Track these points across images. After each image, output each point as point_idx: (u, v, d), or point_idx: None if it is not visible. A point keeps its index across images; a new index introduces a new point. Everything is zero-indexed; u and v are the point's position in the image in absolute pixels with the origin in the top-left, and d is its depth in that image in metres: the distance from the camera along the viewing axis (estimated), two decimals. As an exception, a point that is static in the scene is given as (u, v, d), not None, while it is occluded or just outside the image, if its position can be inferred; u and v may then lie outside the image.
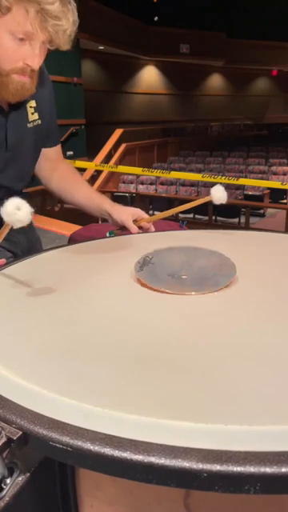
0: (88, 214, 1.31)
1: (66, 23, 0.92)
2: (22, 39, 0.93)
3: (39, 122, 1.19)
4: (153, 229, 1.28)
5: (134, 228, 1.20)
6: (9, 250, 1.23)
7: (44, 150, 1.28)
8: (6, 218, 0.72)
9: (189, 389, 0.51)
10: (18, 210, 0.71)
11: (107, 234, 1.23)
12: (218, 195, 1.15)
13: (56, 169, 1.34)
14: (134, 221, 1.23)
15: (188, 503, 0.53)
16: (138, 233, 1.22)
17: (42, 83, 1.14)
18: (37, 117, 1.18)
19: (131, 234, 1.21)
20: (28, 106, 1.16)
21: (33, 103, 1.17)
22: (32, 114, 1.17)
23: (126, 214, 1.22)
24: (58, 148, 1.36)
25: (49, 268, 0.99)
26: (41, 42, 0.95)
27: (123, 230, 1.23)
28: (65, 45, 0.96)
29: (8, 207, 0.71)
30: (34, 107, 1.17)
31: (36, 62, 0.97)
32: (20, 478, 0.49)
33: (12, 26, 0.91)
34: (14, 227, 0.74)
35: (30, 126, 1.17)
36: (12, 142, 1.13)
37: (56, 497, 0.61)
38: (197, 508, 0.54)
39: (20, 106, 1.12)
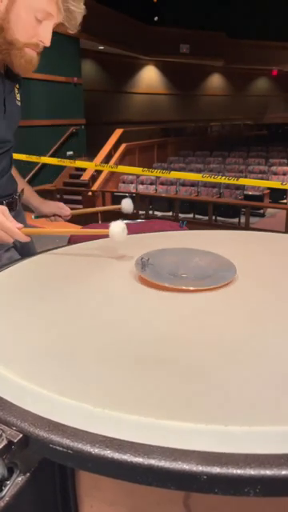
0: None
1: (82, 8, 1.04)
2: (40, 20, 1.01)
3: (19, 103, 1.26)
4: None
5: (59, 217, 1.43)
6: None
7: None
8: (115, 237, 0.96)
9: (189, 389, 0.51)
10: (122, 232, 0.97)
11: (32, 217, 1.45)
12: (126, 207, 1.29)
13: None
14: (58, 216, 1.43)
15: (188, 504, 0.53)
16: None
17: None
18: (19, 98, 1.25)
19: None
20: (15, 86, 1.22)
21: (17, 85, 1.23)
22: (16, 93, 1.23)
23: (53, 208, 1.42)
24: None
25: (49, 268, 0.99)
26: (56, 23, 1.03)
27: (49, 218, 1.45)
28: (75, 28, 1.06)
29: (118, 229, 0.96)
30: (18, 89, 1.24)
31: (49, 40, 1.05)
32: (20, 478, 0.49)
33: (36, 4, 0.99)
34: (112, 240, 0.98)
35: (17, 102, 1.24)
36: (8, 110, 1.17)
37: (56, 497, 0.61)
38: (197, 508, 0.54)
39: (12, 82, 1.18)
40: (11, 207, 1.17)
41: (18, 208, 1.32)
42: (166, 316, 0.72)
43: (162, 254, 0.94)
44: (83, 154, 10.64)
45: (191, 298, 0.77)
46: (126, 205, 1.31)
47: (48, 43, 1.05)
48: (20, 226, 0.96)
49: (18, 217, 1.31)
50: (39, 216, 1.45)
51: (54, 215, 1.43)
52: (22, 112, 1.28)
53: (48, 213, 1.42)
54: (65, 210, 1.43)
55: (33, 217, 1.45)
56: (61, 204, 1.46)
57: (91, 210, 1.49)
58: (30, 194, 1.42)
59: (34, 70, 1.12)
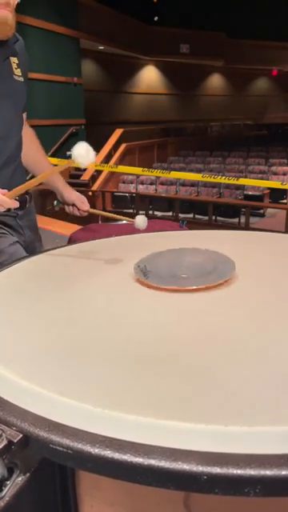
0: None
1: None
2: None
3: (21, 79, 1.23)
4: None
5: (77, 210, 1.39)
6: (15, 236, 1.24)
7: None
8: (78, 159, 0.83)
9: (188, 389, 0.51)
10: (87, 154, 0.84)
11: (55, 203, 1.44)
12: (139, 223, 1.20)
13: (24, 132, 1.36)
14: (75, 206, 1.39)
15: (188, 504, 0.53)
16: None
17: (21, 47, 1.21)
18: (20, 73, 1.22)
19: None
20: (11, 60, 1.19)
21: (15, 60, 1.20)
22: (16, 69, 1.20)
23: (74, 196, 1.39)
24: (25, 114, 1.40)
25: (49, 268, 0.99)
26: None
27: (68, 209, 1.43)
28: None
29: (82, 150, 0.83)
30: (17, 63, 1.21)
31: None
32: (20, 478, 0.49)
33: None
34: (80, 166, 0.85)
35: (16, 78, 1.20)
36: (2, 87, 1.14)
37: (56, 497, 0.61)
38: (197, 509, 0.54)
39: (4, 55, 1.15)
40: (20, 206, 1.14)
41: (27, 206, 1.29)
42: (166, 316, 0.72)
43: (156, 257, 0.93)
44: (83, 154, 10.59)
45: (191, 297, 0.77)
46: (140, 221, 1.23)
47: None
48: (3, 191, 0.92)
49: (28, 215, 1.31)
50: (61, 202, 1.44)
51: (73, 205, 1.40)
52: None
53: (68, 201, 1.40)
54: (84, 204, 1.40)
55: (55, 203, 1.47)
56: (83, 197, 1.43)
57: (107, 214, 1.48)
58: (56, 177, 1.40)
59: (11, 31, 1.08)
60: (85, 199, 1.43)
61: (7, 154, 1.18)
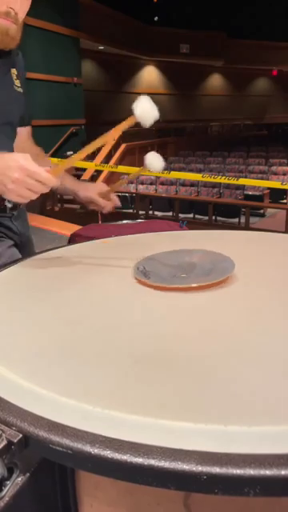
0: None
1: None
2: None
3: (21, 90, 1.21)
4: (117, 201, 1.26)
5: (102, 203, 1.19)
6: (11, 238, 1.23)
7: (19, 130, 1.27)
8: (142, 114, 0.77)
9: (188, 389, 0.51)
10: (151, 109, 0.78)
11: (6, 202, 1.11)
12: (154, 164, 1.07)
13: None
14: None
15: (188, 504, 0.53)
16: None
17: (19, 60, 1.19)
18: (19, 84, 1.20)
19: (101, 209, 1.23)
20: (12, 71, 1.17)
21: (14, 71, 1.18)
22: (15, 79, 1.18)
23: (91, 191, 1.20)
24: (30, 129, 1.35)
25: (49, 268, 0.99)
26: None
27: (89, 207, 1.23)
28: None
29: (147, 103, 0.77)
30: (16, 74, 1.19)
31: (19, 5, 0.98)
32: (20, 479, 0.49)
33: None
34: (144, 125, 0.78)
35: (16, 89, 1.18)
36: (3, 99, 1.12)
37: (56, 497, 0.61)
38: (197, 508, 0.54)
39: (6, 66, 1.13)
40: (14, 207, 1.08)
41: (21, 207, 1.23)
42: (166, 316, 0.72)
43: (155, 258, 0.93)
44: (83, 154, 10.61)
45: (191, 297, 0.77)
46: (154, 161, 1.06)
47: (18, 8, 0.98)
48: (47, 168, 0.84)
49: (22, 216, 1.28)
50: (83, 208, 1.32)
51: (91, 201, 1.21)
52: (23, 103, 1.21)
53: (84, 198, 1.21)
54: (106, 196, 1.18)
55: (7, 203, 1.19)
56: (101, 185, 1.23)
57: (130, 177, 1.28)
58: (65, 177, 1.23)
59: (15, 43, 1.05)
60: (102, 185, 1.23)
61: None
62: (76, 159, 0.92)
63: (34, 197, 0.83)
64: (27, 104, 1.28)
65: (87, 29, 10.38)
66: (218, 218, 7.55)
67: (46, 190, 0.83)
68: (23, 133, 1.30)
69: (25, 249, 1.26)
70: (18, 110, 1.20)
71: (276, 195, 8.45)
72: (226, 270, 0.83)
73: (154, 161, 0.91)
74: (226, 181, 6.17)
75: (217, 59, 15.47)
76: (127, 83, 14.76)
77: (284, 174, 9.35)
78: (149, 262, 0.90)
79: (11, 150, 1.20)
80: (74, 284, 0.87)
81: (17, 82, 1.19)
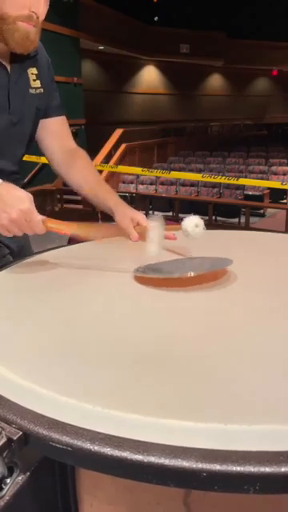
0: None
1: None
2: None
3: (41, 90, 1.19)
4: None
5: (134, 235, 1.05)
6: (7, 246, 1.22)
7: (48, 124, 1.26)
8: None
9: (188, 388, 0.51)
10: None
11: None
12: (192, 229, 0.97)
13: (74, 159, 1.30)
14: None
15: (188, 502, 0.54)
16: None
17: (41, 52, 1.17)
18: (39, 84, 1.18)
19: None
20: (29, 72, 1.15)
21: (34, 70, 1.17)
22: (34, 80, 1.17)
23: (127, 219, 1.08)
24: (63, 120, 1.32)
25: (49, 268, 0.99)
26: None
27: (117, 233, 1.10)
28: None
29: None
30: (36, 74, 1.17)
31: (41, 8, 0.99)
32: (20, 478, 0.49)
33: None
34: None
35: (32, 92, 1.16)
36: (15, 105, 1.11)
37: (56, 496, 0.61)
38: (196, 506, 0.54)
39: (21, 69, 1.12)
40: None
41: None
42: (166, 316, 0.72)
43: (155, 263, 0.92)
44: (83, 154, 10.61)
45: (191, 297, 0.78)
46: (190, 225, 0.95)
47: (40, 12, 0.98)
48: (43, 217, 0.88)
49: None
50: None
51: (123, 229, 1.06)
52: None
53: (118, 222, 1.08)
54: (141, 229, 1.03)
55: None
56: (140, 216, 1.08)
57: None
58: (107, 193, 1.16)
59: (34, 46, 1.04)
60: (141, 217, 1.08)
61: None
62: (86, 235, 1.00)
63: (19, 234, 0.89)
64: (55, 92, 1.26)
65: (87, 29, 10.35)
66: (218, 218, 7.54)
67: (29, 233, 0.90)
68: (53, 127, 1.28)
69: (22, 253, 1.24)
70: (30, 113, 1.18)
71: (276, 195, 8.44)
72: (224, 262, 0.84)
73: (193, 228, 0.92)
74: (226, 181, 6.17)
75: (217, 59, 15.45)
76: (127, 83, 14.75)
77: (284, 174, 9.34)
78: (149, 265, 0.91)
79: (23, 153, 1.21)
80: (74, 284, 0.87)
81: (35, 83, 1.16)
